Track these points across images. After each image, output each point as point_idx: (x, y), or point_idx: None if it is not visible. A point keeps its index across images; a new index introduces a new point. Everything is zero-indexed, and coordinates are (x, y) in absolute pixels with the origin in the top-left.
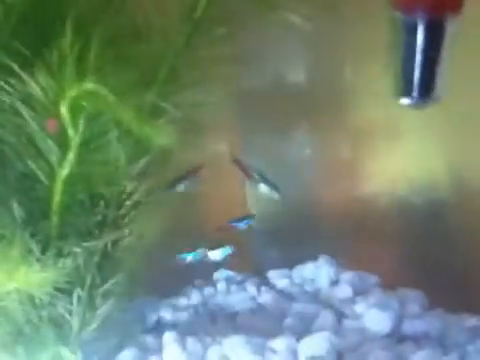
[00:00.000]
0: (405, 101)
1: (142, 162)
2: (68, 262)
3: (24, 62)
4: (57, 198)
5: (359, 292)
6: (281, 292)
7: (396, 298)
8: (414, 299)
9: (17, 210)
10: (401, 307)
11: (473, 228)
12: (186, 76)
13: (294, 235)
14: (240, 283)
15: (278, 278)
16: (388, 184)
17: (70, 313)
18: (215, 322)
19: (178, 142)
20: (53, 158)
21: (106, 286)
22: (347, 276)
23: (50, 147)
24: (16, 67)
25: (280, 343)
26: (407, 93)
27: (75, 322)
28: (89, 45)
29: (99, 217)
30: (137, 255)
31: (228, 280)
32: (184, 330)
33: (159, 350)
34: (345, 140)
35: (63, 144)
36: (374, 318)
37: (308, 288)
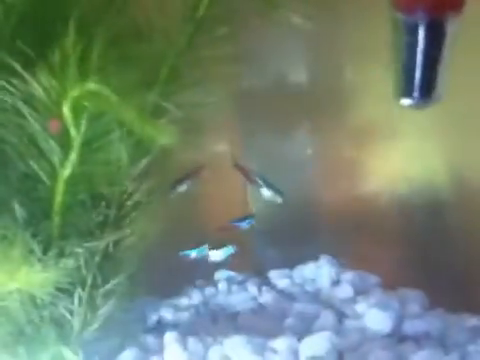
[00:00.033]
0: (406, 101)
1: (143, 162)
2: (69, 262)
3: (26, 62)
4: (59, 198)
5: (360, 292)
6: (282, 292)
7: (397, 298)
8: (415, 299)
9: (19, 210)
10: (402, 307)
11: (473, 228)
12: (188, 76)
13: (295, 235)
14: (241, 283)
15: (279, 278)
16: (388, 184)
17: (71, 313)
18: (216, 322)
19: (179, 142)
20: (55, 158)
21: (107, 286)
22: (348, 276)
23: (52, 147)
24: (18, 67)
25: (281, 343)
26: (408, 93)
27: (76, 322)
28: (91, 45)
29: (100, 217)
30: (138, 255)
31: (229, 280)
32: (185, 330)
33: (160, 350)
34: (346, 140)
35: (65, 144)
36: (375, 318)
37: (309, 288)
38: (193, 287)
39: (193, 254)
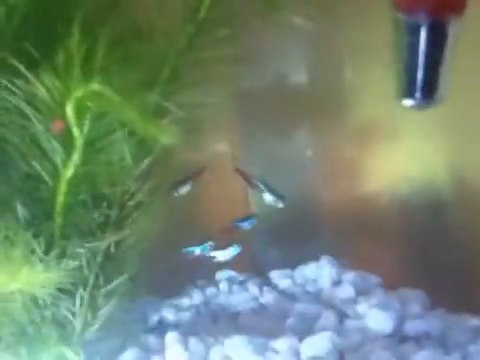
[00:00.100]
0: (408, 102)
1: (145, 162)
2: (71, 262)
3: (29, 63)
4: (61, 199)
5: (361, 292)
6: (283, 292)
7: (398, 298)
8: (416, 299)
9: (21, 210)
10: (403, 307)
11: (474, 227)
12: (188, 76)
13: (296, 235)
14: (242, 283)
15: (280, 278)
16: (389, 184)
17: (73, 313)
18: (217, 322)
19: (180, 142)
20: (57, 159)
21: (109, 286)
22: (349, 276)
23: (55, 148)
24: (22, 68)
25: (282, 343)
26: (410, 94)
27: (78, 322)
28: (95, 46)
29: (102, 218)
30: (140, 255)
31: (230, 280)
32: (186, 330)
33: (161, 350)
34: (346, 140)
35: (68, 145)
36: (376, 318)
37: (310, 288)
38: (194, 287)
39: (197, 251)
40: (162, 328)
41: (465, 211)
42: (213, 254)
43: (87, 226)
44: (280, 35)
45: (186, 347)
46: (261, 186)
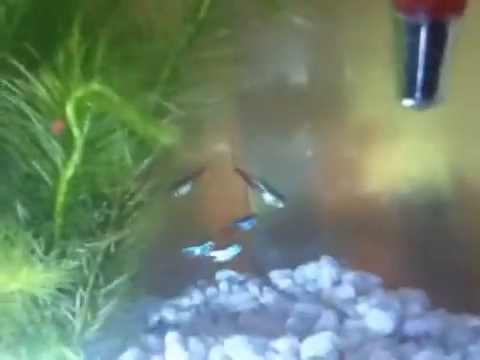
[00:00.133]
0: (408, 102)
1: (145, 162)
2: (71, 262)
3: (29, 63)
4: (61, 199)
5: (361, 292)
6: (283, 292)
7: (398, 298)
8: (416, 299)
9: (21, 210)
10: (403, 307)
11: (475, 227)
12: (188, 76)
13: (296, 235)
14: (242, 283)
15: (280, 278)
16: (389, 184)
17: (73, 313)
18: (217, 322)
19: (180, 142)
20: (57, 159)
21: (109, 286)
22: (349, 276)
23: (55, 148)
24: (22, 68)
25: (282, 343)
26: (410, 94)
27: (78, 322)
28: (95, 46)
29: (102, 217)
30: (140, 255)
31: (230, 280)
32: (186, 330)
33: (161, 350)
34: (346, 140)
35: (68, 145)
36: (376, 318)
37: (310, 288)
38: (194, 287)
39: (197, 251)
40: (162, 328)
41: (465, 211)
42: (213, 254)
43: (87, 226)
44: (280, 35)
45: (186, 347)
46: (261, 186)
